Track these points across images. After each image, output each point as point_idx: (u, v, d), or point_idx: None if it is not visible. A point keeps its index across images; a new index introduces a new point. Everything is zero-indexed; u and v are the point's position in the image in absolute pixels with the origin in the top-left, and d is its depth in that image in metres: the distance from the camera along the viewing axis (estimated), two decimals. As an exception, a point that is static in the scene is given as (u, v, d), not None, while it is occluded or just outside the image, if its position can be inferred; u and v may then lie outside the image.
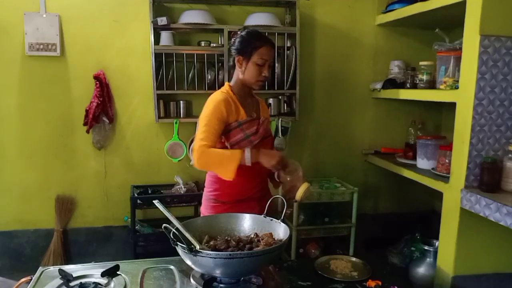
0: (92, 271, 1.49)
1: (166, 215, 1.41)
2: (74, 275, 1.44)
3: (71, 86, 2.91)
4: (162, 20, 2.72)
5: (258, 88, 1.89)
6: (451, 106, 2.24)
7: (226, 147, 1.82)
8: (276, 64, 2.97)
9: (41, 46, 2.78)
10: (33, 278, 1.45)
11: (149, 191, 2.93)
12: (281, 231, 1.48)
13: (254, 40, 1.84)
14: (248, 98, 1.93)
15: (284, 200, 1.59)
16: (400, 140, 3.27)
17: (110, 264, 1.50)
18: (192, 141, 2.96)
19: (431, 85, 2.58)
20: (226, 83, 1.91)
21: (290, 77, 2.98)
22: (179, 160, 3.00)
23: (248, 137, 1.82)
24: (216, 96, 1.83)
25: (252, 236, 1.51)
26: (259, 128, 1.86)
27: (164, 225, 1.32)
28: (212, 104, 1.79)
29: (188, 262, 1.32)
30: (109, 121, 2.92)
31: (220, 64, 2.95)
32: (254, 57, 1.81)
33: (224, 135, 1.82)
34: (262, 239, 1.44)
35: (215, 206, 1.90)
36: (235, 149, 1.74)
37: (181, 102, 2.98)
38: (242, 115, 1.84)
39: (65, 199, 2.98)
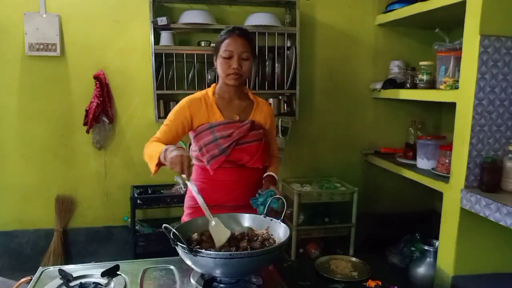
0: (92, 271, 1.48)
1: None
2: (74, 275, 1.43)
3: (71, 86, 2.91)
4: (162, 20, 2.72)
5: (233, 83, 1.72)
6: (451, 106, 2.24)
7: (198, 149, 1.77)
8: (276, 64, 2.97)
9: (41, 46, 2.78)
10: (33, 278, 1.44)
11: (149, 191, 2.93)
12: (281, 231, 1.48)
13: (222, 34, 1.74)
14: (235, 99, 1.80)
15: (284, 200, 1.58)
16: (400, 140, 3.27)
17: (110, 264, 1.50)
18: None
19: (431, 85, 2.58)
20: (214, 84, 1.84)
21: (290, 77, 2.98)
22: (179, 160, 2.99)
23: (217, 140, 1.71)
24: (190, 96, 1.79)
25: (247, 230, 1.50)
26: (234, 132, 1.71)
27: (164, 225, 1.32)
28: (181, 103, 1.78)
29: (188, 262, 1.32)
30: (109, 121, 2.91)
31: (220, 64, 2.95)
32: (220, 50, 1.72)
33: (195, 137, 1.78)
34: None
35: (187, 208, 1.87)
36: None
37: (181, 102, 2.97)
38: (218, 117, 1.75)
39: (65, 199, 2.98)
